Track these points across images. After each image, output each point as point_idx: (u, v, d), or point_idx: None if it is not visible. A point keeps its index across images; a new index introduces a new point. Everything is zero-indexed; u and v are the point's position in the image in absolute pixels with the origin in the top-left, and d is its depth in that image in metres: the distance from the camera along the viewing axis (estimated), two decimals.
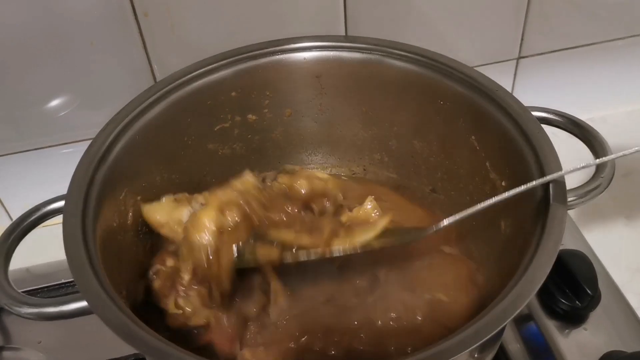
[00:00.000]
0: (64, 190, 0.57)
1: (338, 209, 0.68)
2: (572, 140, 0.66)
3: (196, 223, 0.59)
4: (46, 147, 0.85)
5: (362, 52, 0.71)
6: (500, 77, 0.66)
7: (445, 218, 0.60)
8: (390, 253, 0.66)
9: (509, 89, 0.68)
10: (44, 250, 0.81)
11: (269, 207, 0.63)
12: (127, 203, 0.63)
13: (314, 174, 0.70)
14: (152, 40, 0.78)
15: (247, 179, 0.64)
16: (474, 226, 0.70)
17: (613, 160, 0.60)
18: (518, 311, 0.45)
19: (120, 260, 0.59)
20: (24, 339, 0.77)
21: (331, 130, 0.77)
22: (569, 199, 0.54)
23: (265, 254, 0.60)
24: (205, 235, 0.59)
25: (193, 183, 0.71)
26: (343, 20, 0.82)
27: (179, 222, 0.64)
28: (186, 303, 0.60)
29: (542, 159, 0.56)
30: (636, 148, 0.51)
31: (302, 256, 0.60)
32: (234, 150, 0.75)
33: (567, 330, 0.70)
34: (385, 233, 0.62)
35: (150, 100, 0.66)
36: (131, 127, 0.63)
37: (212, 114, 0.72)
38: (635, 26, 0.94)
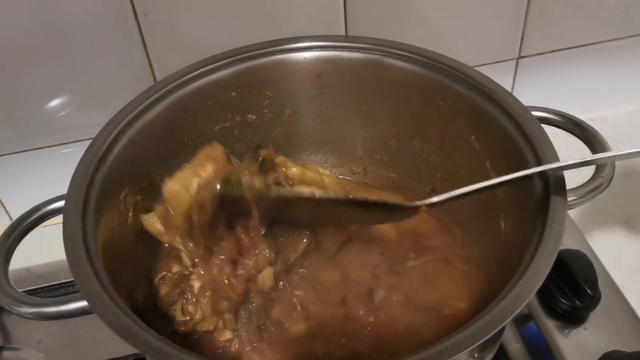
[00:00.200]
0: (64, 190, 0.57)
1: None
2: (572, 140, 0.66)
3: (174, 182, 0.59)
4: (46, 147, 0.85)
5: (362, 52, 0.71)
6: (500, 77, 0.66)
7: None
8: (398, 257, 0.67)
9: (509, 89, 0.68)
10: (44, 250, 0.81)
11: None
12: (127, 203, 0.63)
13: (316, 169, 0.70)
14: (152, 40, 0.78)
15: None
16: (474, 226, 0.70)
17: (613, 159, 0.60)
18: (518, 311, 0.45)
19: (120, 260, 0.59)
20: (24, 339, 0.77)
21: (331, 130, 0.77)
22: (569, 199, 0.54)
23: (250, 181, 0.59)
24: (184, 188, 0.59)
25: None
26: (343, 20, 0.82)
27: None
28: (195, 309, 0.60)
29: (542, 159, 0.56)
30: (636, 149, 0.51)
31: (286, 192, 0.59)
32: (234, 150, 0.75)
33: (567, 330, 0.70)
34: (368, 205, 0.61)
35: (150, 100, 0.66)
36: (131, 127, 0.63)
37: (212, 114, 0.72)
38: (635, 26, 0.94)
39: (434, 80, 0.68)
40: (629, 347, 0.67)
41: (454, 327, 0.46)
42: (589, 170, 0.61)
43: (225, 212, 0.60)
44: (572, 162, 0.53)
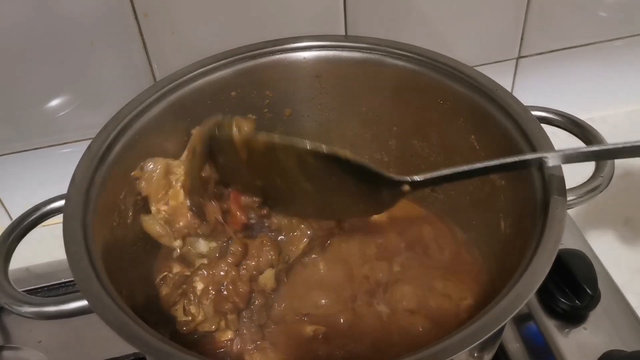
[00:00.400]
0: (64, 190, 0.57)
1: None
2: (572, 140, 0.66)
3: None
4: (46, 147, 0.85)
5: (362, 52, 0.71)
6: (500, 76, 0.66)
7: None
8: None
9: (508, 89, 0.68)
10: (44, 249, 0.81)
11: None
12: (127, 203, 0.63)
13: None
14: (152, 40, 0.78)
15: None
16: (474, 226, 0.70)
17: (613, 160, 0.60)
18: (517, 310, 0.45)
19: (120, 259, 0.59)
20: (24, 339, 0.77)
21: (331, 130, 0.77)
22: (569, 199, 0.54)
23: (238, 124, 0.59)
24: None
25: None
26: (343, 20, 0.82)
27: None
28: (197, 310, 0.60)
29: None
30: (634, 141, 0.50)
31: (277, 138, 0.57)
32: None
33: (566, 330, 0.70)
34: (350, 167, 0.58)
35: (150, 100, 0.66)
36: (131, 127, 0.63)
37: (212, 113, 0.72)
38: (635, 26, 0.94)
39: (434, 80, 0.68)
40: (628, 347, 0.67)
41: (456, 324, 0.46)
42: (589, 170, 0.61)
43: (217, 170, 0.60)
44: (565, 151, 0.52)
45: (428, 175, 0.56)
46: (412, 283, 0.66)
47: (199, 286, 0.60)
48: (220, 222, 0.63)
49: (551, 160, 0.52)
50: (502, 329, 0.50)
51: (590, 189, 0.59)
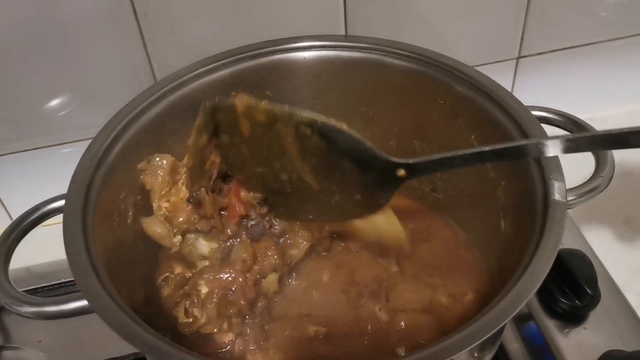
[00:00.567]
0: (64, 190, 0.57)
1: None
2: None
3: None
4: (46, 147, 0.85)
5: (362, 52, 0.71)
6: (500, 76, 0.66)
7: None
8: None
9: (508, 89, 0.68)
10: (44, 249, 0.81)
11: None
12: (127, 203, 0.63)
13: None
14: (152, 40, 0.78)
15: None
16: (474, 226, 0.70)
17: (612, 159, 0.61)
18: (517, 310, 0.45)
19: (120, 259, 0.59)
20: (24, 339, 0.77)
21: None
22: (569, 199, 0.54)
23: (240, 94, 0.58)
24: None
25: None
26: (343, 20, 0.82)
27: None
28: (200, 313, 0.60)
29: (542, 158, 0.56)
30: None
31: (277, 106, 0.56)
32: None
33: (567, 330, 0.70)
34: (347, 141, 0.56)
35: (150, 100, 0.66)
36: (131, 127, 0.63)
37: None
38: (635, 26, 0.94)
39: (434, 80, 0.68)
40: (628, 347, 0.67)
41: (458, 324, 0.46)
42: (589, 170, 0.61)
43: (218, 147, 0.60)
44: (564, 137, 0.50)
45: (422, 159, 0.54)
46: (413, 283, 0.66)
47: (204, 290, 0.60)
48: (219, 216, 0.63)
49: (550, 148, 0.50)
50: (502, 329, 0.50)
51: (590, 189, 0.59)
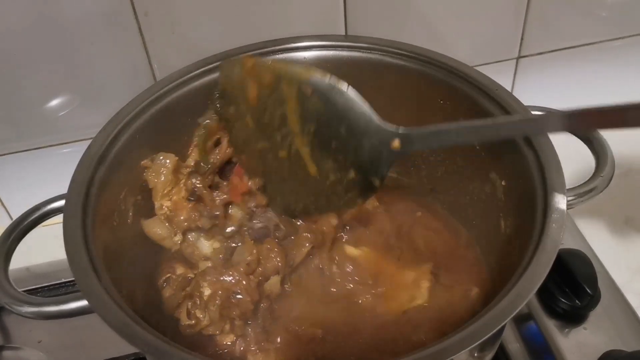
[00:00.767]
0: (64, 190, 0.57)
1: None
2: (572, 139, 0.66)
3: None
4: (46, 147, 0.85)
5: (362, 52, 0.71)
6: (500, 76, 0.66)
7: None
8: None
9: (508, 89, 0.68)
10: (44, 249, 0.81)
11: None
12: (127, 203, 0.63)
13: None
14: (152, 40, 0.78)
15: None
16: (474, 226, 0.70)
17: (612, 159, 0.61)
18: (517, 310, 0.45)
19: (120, 259, 0.59)
20: (24, 339, 0.77)
21: None
22: (569, 199, 0.54)
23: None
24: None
25: None
26: (343, 20, 0.82)
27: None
28: (203, 315, 0.60)
29: (542, 158, 0.56)
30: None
31: (279, 63, 0.59)
32: None
33: (567, 330, 0.70)
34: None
35: (150, 99, 0.66)
36: (131, 127, 0.63)
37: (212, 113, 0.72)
38: (635, 26, 0.94)
39: (434, 80, 0.68)
40: (628, 347, 0.67)
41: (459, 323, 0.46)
42: (589, 170, 0.61)
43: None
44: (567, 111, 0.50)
45: (417, 129, 0.55)
46: (413, 283, 0.66)
47: (207, 292, 0.60)
48: (222, 210, 0.64)
49: (550, 125, 0.50)
50: (502, 329, 0.50)
51: (590, 188, 0.59)
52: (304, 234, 0.65)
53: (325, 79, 0.56)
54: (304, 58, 0.72)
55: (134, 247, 0.64)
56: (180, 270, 0.65)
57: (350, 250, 0.69)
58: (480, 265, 0.67)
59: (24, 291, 0.54)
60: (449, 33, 0.87)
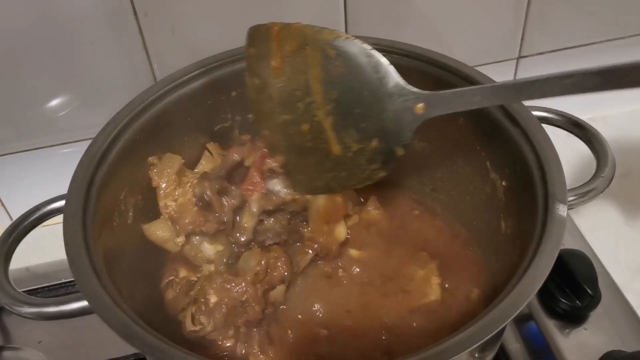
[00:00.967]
0: (64, 190, 0.57)
1: None
2: (572, 139, 0.66)
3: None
4: (46, 147, 0.85)
5: None
6: (500, 76, 0.66)
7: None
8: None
9: None
10: (44, 250, 0.81)
11: None
12: (127, 203, 0.63)
13: None
14: (152, 40, 0.78)
15: None
16: (474, 226, 0.70)
17: (613, 159, 0.61)
18: (518, 311, 0.45)
19: (120, 259, 0.59)
20: (24, 339, 0.77)
21: None
22: (569, 199, 0.54)
23: None
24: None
25: None
26: (343, 20, 0.82)
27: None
28: (208, 321, 0.60)
29: (543, 158, 0.56)
30: None
31: (308, 25, 0.60)
32: None
33: (567, 330, 0.70)
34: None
35: (150, 99, 0.66)
36: (131, 127, 0.63)
37: (213, 113, 0.72)
38: (634, 26, 0.94)
39: (434, 80, 0.67)
40: (629, 347, 0.67)
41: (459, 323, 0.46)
42: (590, 171, 0.61)
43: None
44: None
45: (442, 92, 0.53)
46: (414, 283, 0.66)
47: (213, 299, 0.60)
48: (231, 217, 0.64)
49: (548, 89, 0.50)
50: (503, 329, 0.50)
51: (591, 189, 0.59)
52: (309, 243, 0.65)
53: (350, 40, 0.56)
54: None
55: (135, 247, 0.64)
56: (183, 273, 0.65)
57: (354, 252, 0.69)
58: (481, 266, 0.67)
59: (24, 292, 0.54)
60: (449, 33, 0.87)
